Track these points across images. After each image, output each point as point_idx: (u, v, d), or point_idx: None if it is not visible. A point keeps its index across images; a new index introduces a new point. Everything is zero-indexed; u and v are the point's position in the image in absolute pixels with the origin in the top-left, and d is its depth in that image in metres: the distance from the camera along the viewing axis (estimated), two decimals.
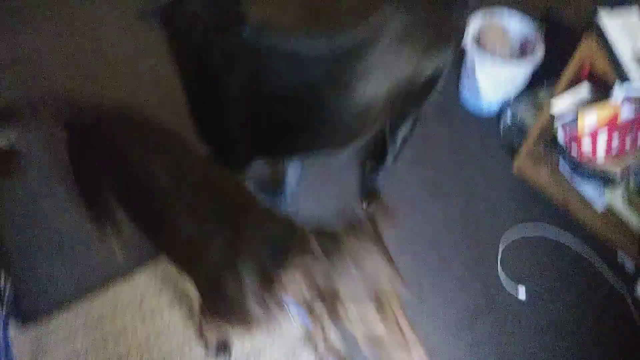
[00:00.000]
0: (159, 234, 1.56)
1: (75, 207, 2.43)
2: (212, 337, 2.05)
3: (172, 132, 1.61)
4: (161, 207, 1.46)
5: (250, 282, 1.29)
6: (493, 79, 2.75)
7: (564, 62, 2.26)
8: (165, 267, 2.27)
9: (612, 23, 2.09)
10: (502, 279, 2.35)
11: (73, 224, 2.42)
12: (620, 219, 2.42)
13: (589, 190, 2.53)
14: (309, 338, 1.93)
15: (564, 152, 2.52)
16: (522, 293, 2.31)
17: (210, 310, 1.59)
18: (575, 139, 2.36)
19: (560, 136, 2.43)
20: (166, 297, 2.22)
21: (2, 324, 1.97)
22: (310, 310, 1.13)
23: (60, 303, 2.21)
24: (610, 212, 2.46)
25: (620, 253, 2.44)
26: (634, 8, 2.12)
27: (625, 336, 2.24)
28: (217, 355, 2.08)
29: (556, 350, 2.18)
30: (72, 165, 1.72)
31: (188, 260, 1.51)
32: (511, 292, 2.32)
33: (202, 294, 1.55)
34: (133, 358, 2.08)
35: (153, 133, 1.58)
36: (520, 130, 2.78)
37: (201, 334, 2.03)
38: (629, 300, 2.32)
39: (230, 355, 2.08)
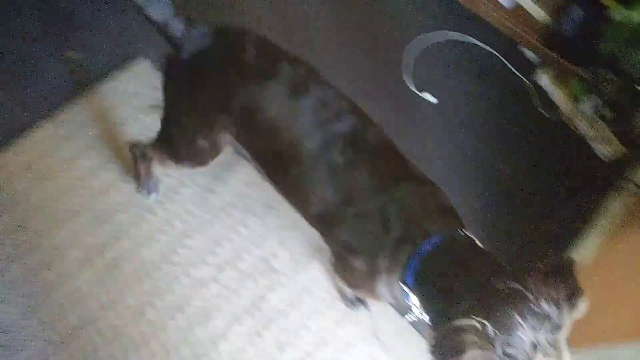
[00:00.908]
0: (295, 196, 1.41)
1: None
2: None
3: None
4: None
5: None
6: None
7: None
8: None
9: None
10: (410, 86, 2.31)
11: None
12: (524, 11, 2.38)
13: None
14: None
15: None
16: (430, 97, 2.30)
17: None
18: None
19: None
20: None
21: None
22: None
23: None
24: (514, 6, 2.40)
25: (522, 46, 2.44)
26: None
27: (528, 120, 2.33)
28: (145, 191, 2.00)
29: (468, 145, 2.24)
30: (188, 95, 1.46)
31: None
32: (420, 98, 2.30)
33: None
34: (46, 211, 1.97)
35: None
36: None
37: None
38: (530, 85, 2.37)
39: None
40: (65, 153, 2.07)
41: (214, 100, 1.38)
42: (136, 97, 2.20)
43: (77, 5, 2.40)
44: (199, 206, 2.02)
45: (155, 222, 1.98)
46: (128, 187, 2.03)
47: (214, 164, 2.03)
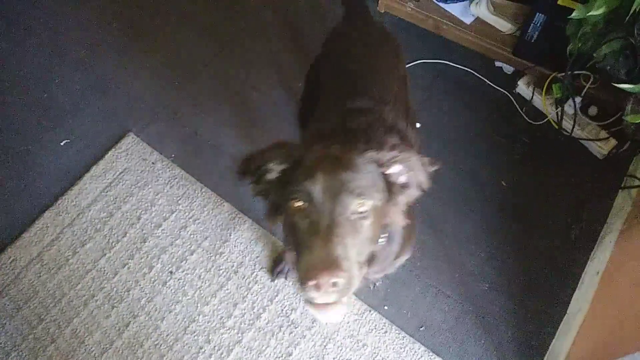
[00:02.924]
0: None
1: None
2: None
3: None
4: None
5: None
6: None
7: None
8: None
9: None
10: None
11: None
12: (489, 26, 2.44)
13: (456, 8, 2.50)
14: None
15: None
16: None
17: None
18: None
19: None
20: None
21: None
22: None
23: None
24: (478, 23, 2.46)
25: (496, 60, 2.48)
26: None
27: (516, 127, 2.37)
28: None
29: (462, 164, 2.27)
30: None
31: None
32: None
33: None
34: None
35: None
36: None
37: None
38: (512, 97, 2.42)
39: None
40: (72, 239, 2.11)
41: None
42: (128, 172, 2.24)
43: (59, 94, 2.48)
44: (209, 270, 2.04)
45: (168, 294, 2.00)
46: (136, 264, 2.06)
47: (215, 225, 2.07)
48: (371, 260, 1.12)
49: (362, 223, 1.00)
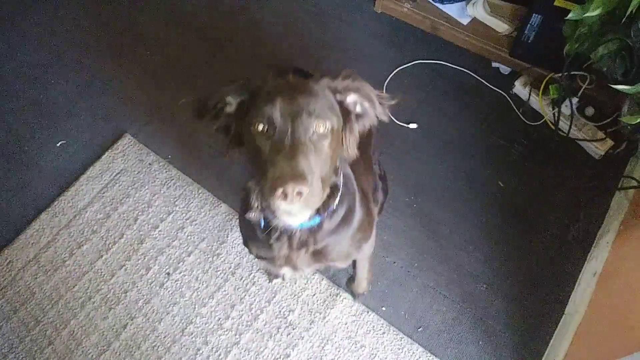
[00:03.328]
0: None
1: None
2: None
3: None
4: None
5: None
6: None
7: None
8: None
9: None
10: (391, 116, 2.34)
11: None
12: (486, 27, 2.44)
13: (453, 9, 2.50)
14: None
15: None
16: (411, 124, 2.33)
17: None
18: None
19: None
20: None
21: None
22: None
23: None
24: (475, 24, 2.46)
25: (493, 61, 2.49)
26: None
27: (513, 128, 2.37)
28: None
29: (460, 165, 2.27)
30: None
31: None
32: (402, 125, 2.35)
33: None
34: None
35: None
36: None
37: None
38: (509, 98, 2.43)
39: None
40: (68, 240, 2.10)
41: None
42: (124, 173, 2.24)
43: (56, 95, 2.49)
44: (206, 272, 2.03)
45: (166, 295, 2.00)
46: (133, 266, 2.05)
47: (212, 226, 2.06)
48: (333, 191, 1.19)
49: (323, 142, 1.05)
